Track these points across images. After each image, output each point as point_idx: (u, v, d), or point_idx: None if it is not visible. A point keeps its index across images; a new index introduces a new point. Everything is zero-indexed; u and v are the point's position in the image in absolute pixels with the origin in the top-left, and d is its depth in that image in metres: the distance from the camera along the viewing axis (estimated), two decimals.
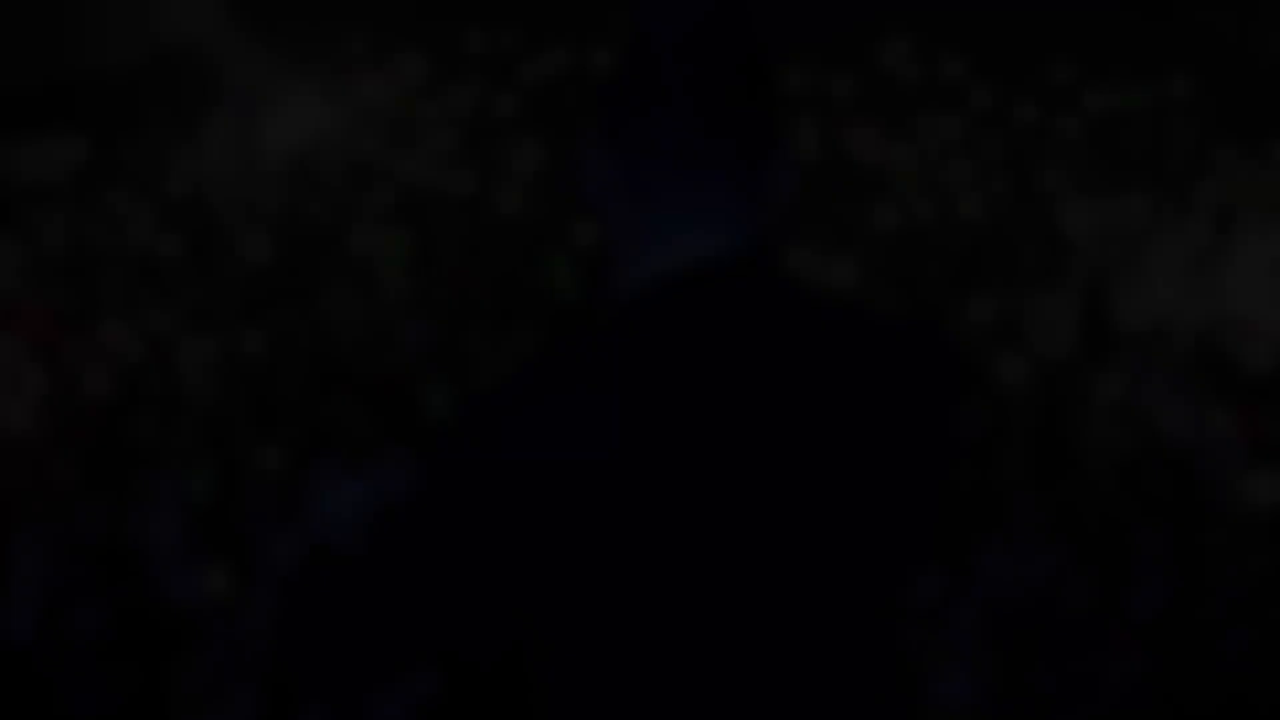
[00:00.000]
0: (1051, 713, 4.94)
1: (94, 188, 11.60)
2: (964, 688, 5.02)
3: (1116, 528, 5.93)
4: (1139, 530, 5.67)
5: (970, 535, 6.25)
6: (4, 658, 5.04)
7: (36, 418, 6.98)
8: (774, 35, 15.81)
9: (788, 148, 1.40)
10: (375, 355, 8.56)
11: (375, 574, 1.18)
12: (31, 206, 10.61)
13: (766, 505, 1.25)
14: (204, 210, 11.36)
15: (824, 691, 1.29)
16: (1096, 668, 5.01)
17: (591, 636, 1.24)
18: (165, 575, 5.99)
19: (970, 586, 5.95)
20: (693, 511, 1.21)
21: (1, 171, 10.89)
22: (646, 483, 1.19)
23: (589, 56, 16.96)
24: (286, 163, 13.01)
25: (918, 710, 1.35)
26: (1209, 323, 8.36)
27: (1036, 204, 12.23)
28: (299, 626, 1.22)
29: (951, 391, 1.34)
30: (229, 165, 13.03)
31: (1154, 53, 16.65)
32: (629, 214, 1.34)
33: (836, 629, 1.29)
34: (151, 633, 5.55)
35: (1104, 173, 12.77)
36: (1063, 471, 6.89)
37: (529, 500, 1.15)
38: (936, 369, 1.35)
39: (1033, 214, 11.97)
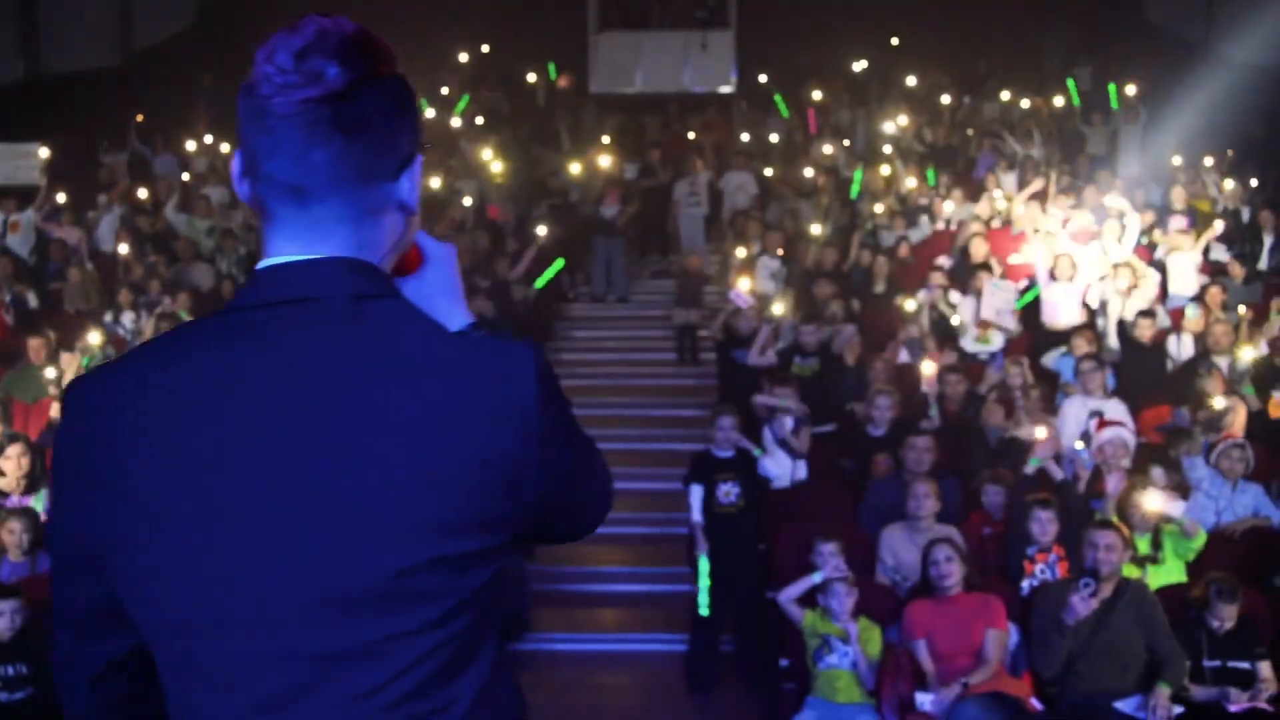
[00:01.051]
0: (931, 685, 5.20)
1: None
2: (850, 659, 5.27)
3: (1016, 514, 6.17)
4: (1035, 518, 5.91)
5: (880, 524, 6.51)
6: None
7: None
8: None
9: (415, 168, 1.44)
10: None
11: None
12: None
13: (253, 478, 1.30)
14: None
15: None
16: (980, 642, 5.26)
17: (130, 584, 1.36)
18: None
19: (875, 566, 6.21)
20: (174, 476, 1.31)
21: None
22: (142, 447, 1.32)
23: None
24: None
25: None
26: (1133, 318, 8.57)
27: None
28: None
29: (498, 417, 1.34)
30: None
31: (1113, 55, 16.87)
32: (261, 223, 1.44)
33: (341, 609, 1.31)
34: None
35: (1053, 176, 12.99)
36: (974, 460, 7.15)
37: (71, 454, 1.37)
38: (493, 391, 1.35)
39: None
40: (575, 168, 13.50)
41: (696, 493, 6.62)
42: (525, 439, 1.36)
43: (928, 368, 7.73)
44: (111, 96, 14.58)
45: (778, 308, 9.15)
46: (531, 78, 17.14)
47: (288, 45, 1.36)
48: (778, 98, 16.00)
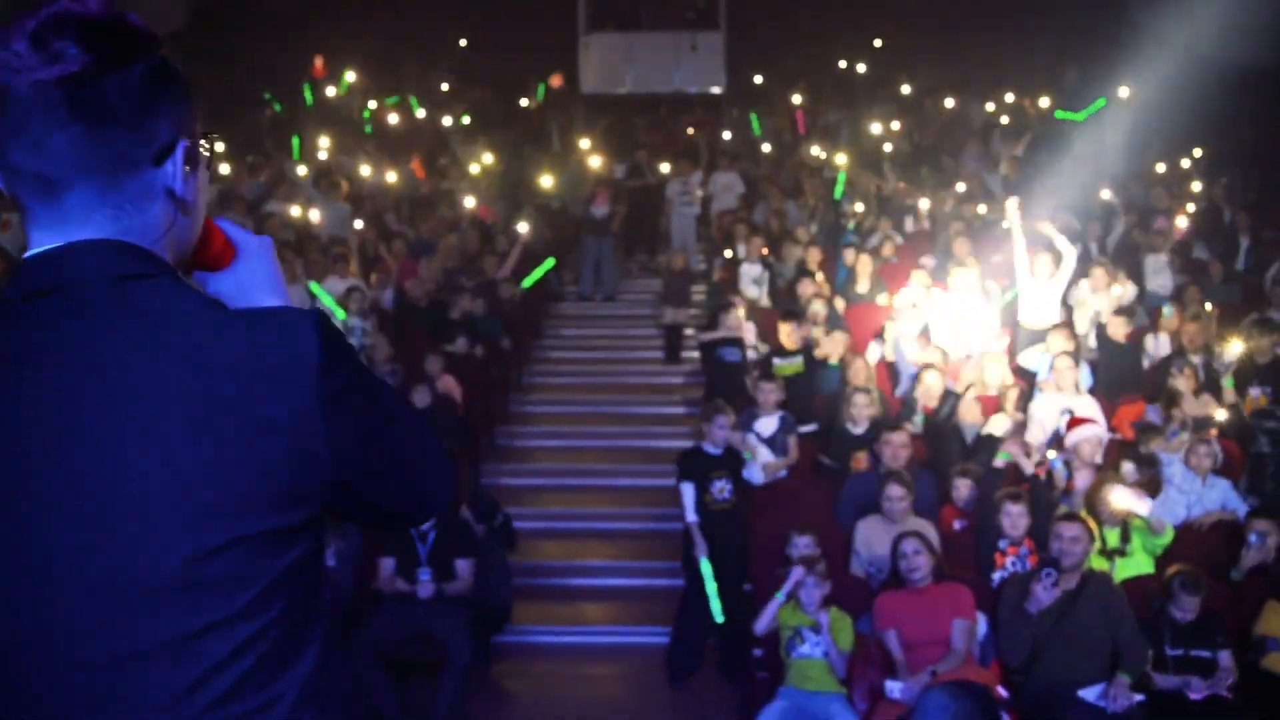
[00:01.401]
0: (900, 671, 5.32)
1: None
2: (821, 649, 5.39)
3: (986, 508, 6.30)
4: (1005, 511, 6.04)
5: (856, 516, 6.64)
6: None
7: None
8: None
9: (179, 154, 1.37)
10: None
11: None
12: None
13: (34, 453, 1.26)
14: None
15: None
16: (949, 632, 5.39)
17: None
18: None
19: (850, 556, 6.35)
20: None
21: None
22: None
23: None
24: None
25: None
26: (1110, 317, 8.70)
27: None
28: None
29: (274, 388, 1.28)
30: None
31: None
32: (20, 218, 1.36)
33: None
34: None
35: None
36: (950, 456, 7.28)
37: None
38: (266, 362, 1.29)
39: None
40: (547, 180, 13.63)
41: (689, 491, 6.67)
42: (306, 409, 1.29)
43: (932, 379, 7.78)
44: None
45: (751, 333, 9.26)
46: (523, 101, 17.26)
47: (23, 29, 1.28)
48: (753, 117, 16.14)
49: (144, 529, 1.25)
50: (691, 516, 6.61)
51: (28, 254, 1.34)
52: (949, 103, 16.43)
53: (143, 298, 1.31)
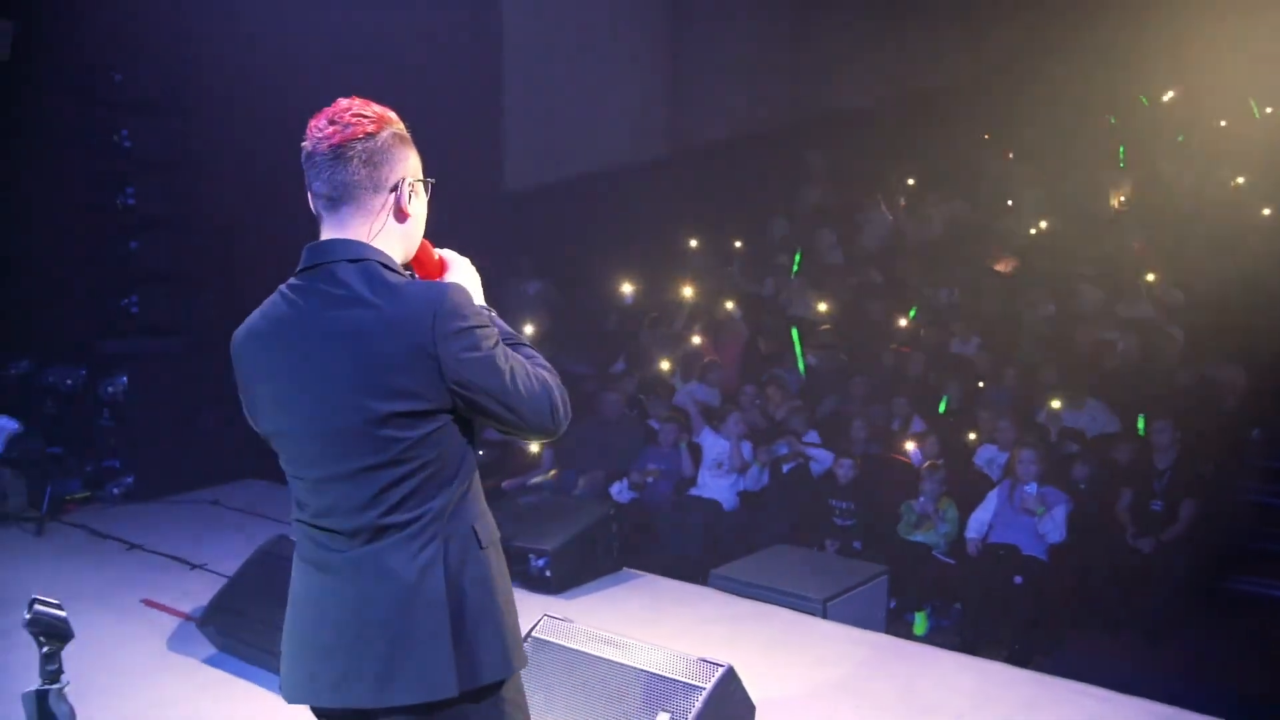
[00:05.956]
0: None
1: None
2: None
3: None
4: None
5: None
6: None
7: None
8: None
9: (403, 190, 2.25)
10: None
11: None
12: None
13: (295, 374, 2.17)
14: None
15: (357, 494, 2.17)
16: None
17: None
18: None
19: None
20: (261, 376, 2.25)
21: None
22: (246, 356, 2.29)
23: None
24: None
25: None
26: None
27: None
28: None
29: (413, 326, 2.10)
30: None
31: None
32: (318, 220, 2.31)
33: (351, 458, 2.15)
34: None
35: None
36: None
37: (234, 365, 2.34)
38: (411, 311, 2.11)
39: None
40: None
41: None
42: (427, 340, 2.10)
43: None
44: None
45: None
46: None
47: (326, 115, 2.24)
48: None
49: (340, 401, 2.15)
50: None
51: (310, 244, 2.28)
52: None
53: (360, 271, 2.20)
